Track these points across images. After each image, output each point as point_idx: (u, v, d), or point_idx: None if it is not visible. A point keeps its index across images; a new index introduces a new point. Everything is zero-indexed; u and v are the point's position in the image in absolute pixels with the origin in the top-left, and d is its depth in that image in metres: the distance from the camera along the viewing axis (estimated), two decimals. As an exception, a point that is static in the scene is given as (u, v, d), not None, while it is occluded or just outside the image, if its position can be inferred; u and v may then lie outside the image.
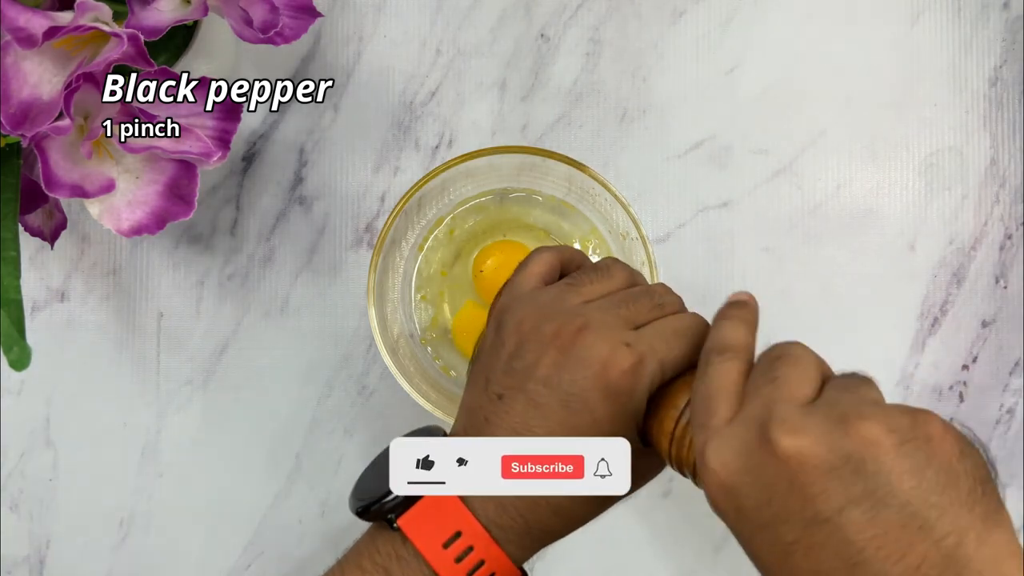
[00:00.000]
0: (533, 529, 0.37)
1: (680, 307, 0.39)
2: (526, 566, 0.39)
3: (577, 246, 0.54)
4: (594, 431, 0.35)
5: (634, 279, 0.40)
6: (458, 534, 0.36)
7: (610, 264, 0.40)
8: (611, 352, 0.35)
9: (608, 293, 0.39)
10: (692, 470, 0.35)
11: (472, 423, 0.38)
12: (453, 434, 0.39)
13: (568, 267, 0.42)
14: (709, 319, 0.38)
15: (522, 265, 0.41)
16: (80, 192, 0.41)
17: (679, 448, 0.35)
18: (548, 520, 0.37)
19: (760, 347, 0.35)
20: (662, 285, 0.40)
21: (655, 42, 0.58)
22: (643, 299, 0.38)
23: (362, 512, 0.38)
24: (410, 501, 0.37)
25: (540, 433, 0.36)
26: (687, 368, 0.37)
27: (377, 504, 0.37)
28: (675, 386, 0.36)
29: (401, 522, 0.37)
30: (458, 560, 0.36)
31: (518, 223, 0.54)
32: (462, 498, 0.37)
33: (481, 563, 0.36)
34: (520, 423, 0.36)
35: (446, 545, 0.36)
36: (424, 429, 0.41)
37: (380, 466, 0.40)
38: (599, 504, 0.37)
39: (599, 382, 0.35)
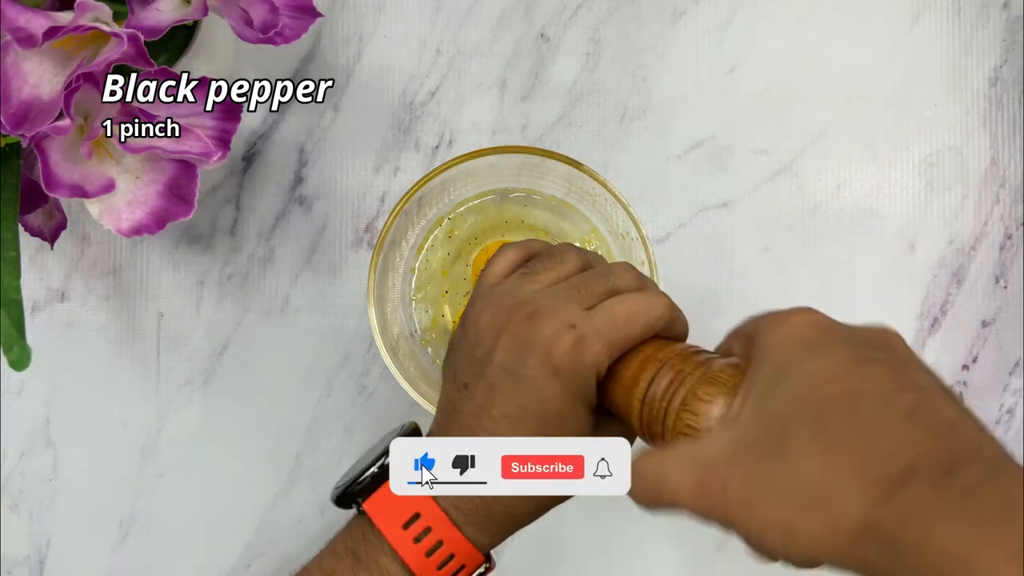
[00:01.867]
0: (494, 511, 0.38)
1: (638, 285, 0.40)
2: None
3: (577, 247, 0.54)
4: (544, 408, 0.36)
5: (588, 262, 0.42)
6: (417, 515, 0.37)
7: (564, 249, 0.42)
8: (555, 333, 0.36)
9: (562, 278, 0.40)
10: (660, 430, 0.35)
11: (443, 414, 0.40)
12: (430, 430, 0.41)
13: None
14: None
15: (488, 264, 0.43)
16: (80, 192, 0.41)
17: (650, 411, 0.36)
18: (508, 502, 0.38)
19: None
20: (622, 265, 0.41)
21: (655, 42, 0.58)
22: (596, 281, 0.39)
23: (338, 500, 0.40)
24: (376, 484, 0.39)
25: (496, 414, 0.37)
26: (640, 344, 0.38)
27: (348, 488, 0.40)
28: (637, 358, 0.37)
29: (366, 505, 0.38)
30: (417, 540, 0.37)
31: (518, 223, 0.54)
32: None
33: (439, 543, 0.37)
34: (480, 407, 0.37)
35: (406, 526, 0.37)
36: (403, 427, 0.43)
37: (362, 459, 0.42)
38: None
39: (545, 361, 0.36)
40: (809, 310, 0.34)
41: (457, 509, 0.38)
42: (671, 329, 0.39)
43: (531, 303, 0.38)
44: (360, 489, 0.39)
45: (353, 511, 0.41)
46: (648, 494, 0.33)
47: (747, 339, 0.35)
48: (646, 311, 0.38)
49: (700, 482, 0.31)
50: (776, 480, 0.29)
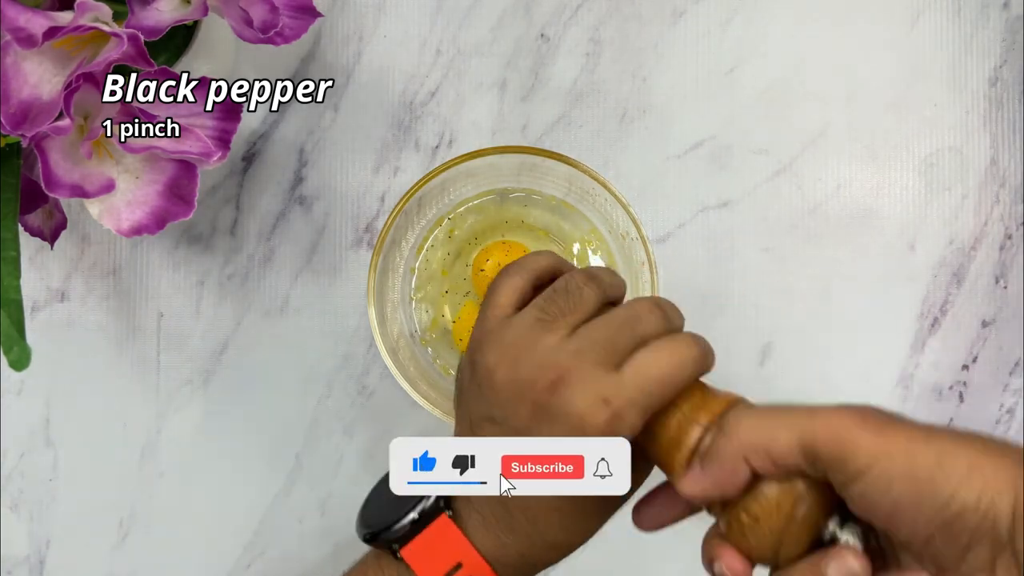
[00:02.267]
0: (528, 562, 0.38)
1: (664, 327, 0.37)
2: None
3: (577, 247, 0.54)
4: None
5: (606, 294, 0.39)
6: (459, 565, 0.37)
7: (580, 284, 0.38)
8: (588, 409, 0.35)
9: (581, 321, 0.37)
10: None
11: None
12: None
13: (540, 281, 0.41)
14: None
15: (490, 293, 0.40)
16: (80, 192, 0.41)
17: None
18: (545, 555, 0.38)
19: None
20: (644, 305, 0.38)
21: (655, 42, 0.58)
22: (622, 336, 0.36)
23: (369, 539, 0.39)
24: (414, 531, 0.38)
25: None
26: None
27: (383, 532, 0.38)
28: (675, 418, 0.36)
29: (405, 552, 0.38)
30: None
31: (518, 223, 0.54)
32: (464, 531, 0.38)
33: None
34: None
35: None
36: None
37: (387, 494, 0.40)
38: (589, 533, 0.39)
39: (577, 435, 0.35)
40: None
41: (498, 561, 0.37)
42: (703, 373, 0.37)
43: (554, 367, 0.35)
44: (399, 536, 0.38)
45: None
46: (770, 417, 0.33)
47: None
48: (680, 370, 0.35)
49: (857, 412, 0.32)
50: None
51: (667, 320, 0.37)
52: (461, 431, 0.40)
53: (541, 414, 0.35)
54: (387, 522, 0.38)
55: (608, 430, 0.34)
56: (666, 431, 0.36)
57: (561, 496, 0.36)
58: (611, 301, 0.40)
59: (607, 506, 0.38)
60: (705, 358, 0.36)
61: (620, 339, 0.36)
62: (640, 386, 0.35)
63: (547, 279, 0.41)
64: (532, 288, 0.40)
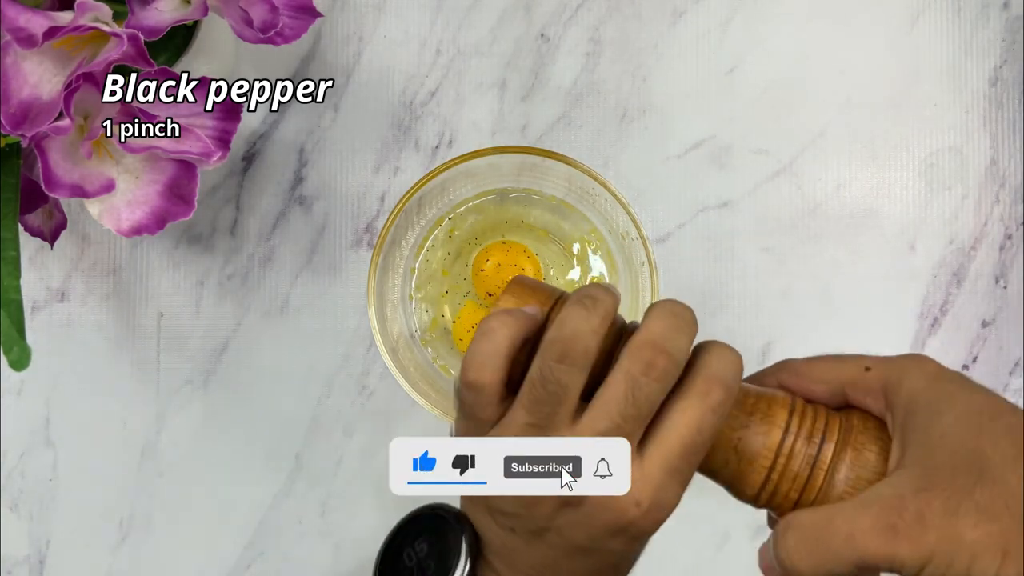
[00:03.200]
0: None
1: (674, 375, 0.33)
2: None
3: (577, 247, 0.54)
4: (623, 557, 0.36)
5: (589, 359, 0.33)
6: None
7: (554, 367, 0.33)
8: (617, 515, 0.33)
9: (575, 407, 0.34)
10: (809, 496, 0.34)
11: (500, 559, 0.38)
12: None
13: (517, 353, 0.35)
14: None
15: (467, 391, 0.35)
16: (80, 192, 0.41)
17: (771, 496, 0.34)
18: None
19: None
20: (643, 356, 0.33)
21: (655, 42, 0.58)
22: (628, 413, 0.33)
23: None
24: None
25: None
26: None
27: None
28: (752, 445, 0.34)
29: None
30: None
31: (518, 223, 0.54)
32: None
33: None
34: (544, 554, 0.36)
35: None
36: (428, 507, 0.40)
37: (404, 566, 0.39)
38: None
39: (612, 537, 0.34)
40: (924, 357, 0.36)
41: None
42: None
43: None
44: None
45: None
46: (817, 550, 0.31)
47: (879, 392, 0.35)
48: (700, 434, 0.33)
49: (885, 519, 0.30)
50: (983, 500, 0.29)
51: (673, 364, 0.33)
52: (480, 519, 0.38)
53: (567, 511, 0.34)
54: None
55: (647, 524, 0.34)
56: (726, 469, 0.35)
57: (592, 568, 0.36)
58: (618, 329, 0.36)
59: (631, 561, 0.38)
60: (727, 398, 0.33)
61: (627, 425, 0.33)
62: (665, 468, 0.33)
63: (527, 344, 0.35)
64: (512, 362, 0.35)
